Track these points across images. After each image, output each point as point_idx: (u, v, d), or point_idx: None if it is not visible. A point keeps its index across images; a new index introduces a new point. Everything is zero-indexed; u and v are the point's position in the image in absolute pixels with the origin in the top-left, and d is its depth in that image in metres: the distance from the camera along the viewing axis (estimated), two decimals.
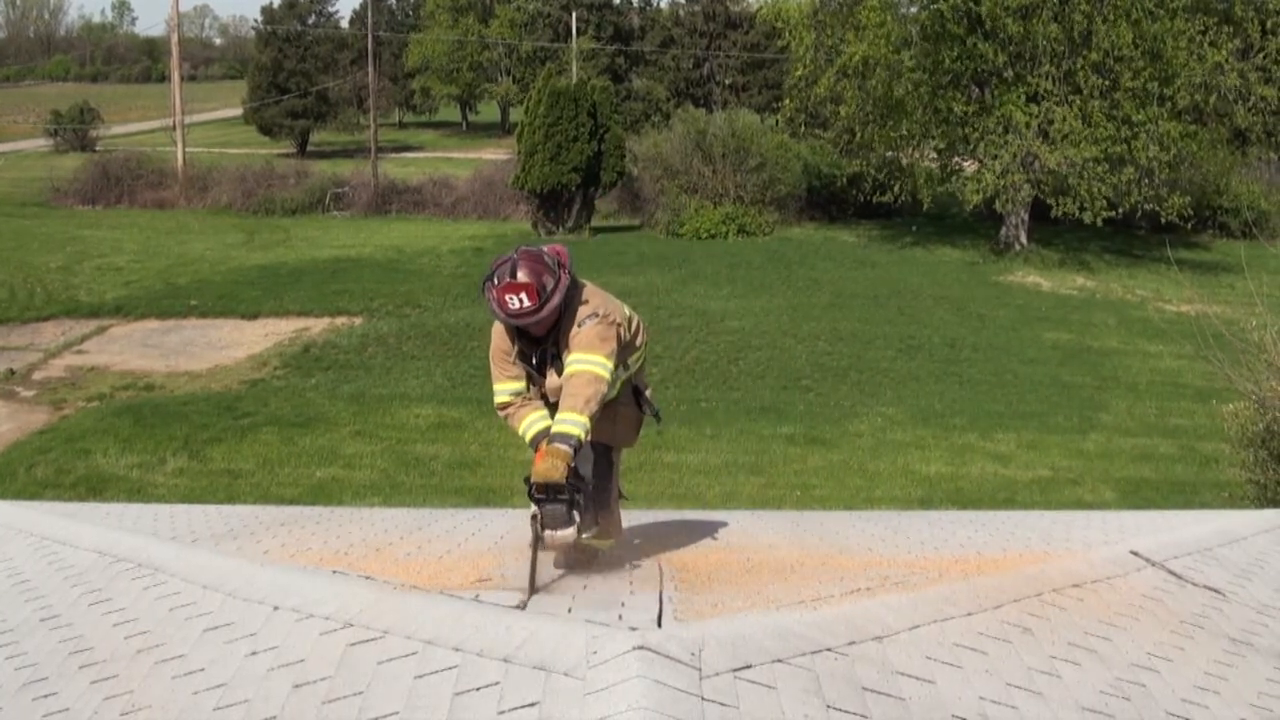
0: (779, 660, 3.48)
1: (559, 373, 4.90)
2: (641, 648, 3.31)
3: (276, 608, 4.17)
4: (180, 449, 17.06)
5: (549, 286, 4.73)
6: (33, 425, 18.36)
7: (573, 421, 4.65)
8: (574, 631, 3.49)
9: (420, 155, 66.31)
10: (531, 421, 5.01)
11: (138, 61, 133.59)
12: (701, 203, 38.00)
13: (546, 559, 4.76)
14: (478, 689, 3.33)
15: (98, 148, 62.17)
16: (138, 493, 15.09)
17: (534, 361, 5.02)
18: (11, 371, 21.22)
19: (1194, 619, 4.96)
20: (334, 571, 4.68)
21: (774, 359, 22.24)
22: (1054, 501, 15.20)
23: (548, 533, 4.61)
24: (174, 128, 48.27)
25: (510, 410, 5.10)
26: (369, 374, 20.99)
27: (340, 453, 17.14)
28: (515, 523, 6.93)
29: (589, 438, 4.77)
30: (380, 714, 3.34)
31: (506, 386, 5.09)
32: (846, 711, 3.33)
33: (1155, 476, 16.78)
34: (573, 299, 4.88)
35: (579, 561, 4.96)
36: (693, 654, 3.35)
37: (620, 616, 3.90)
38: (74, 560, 5.55)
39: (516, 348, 5.02)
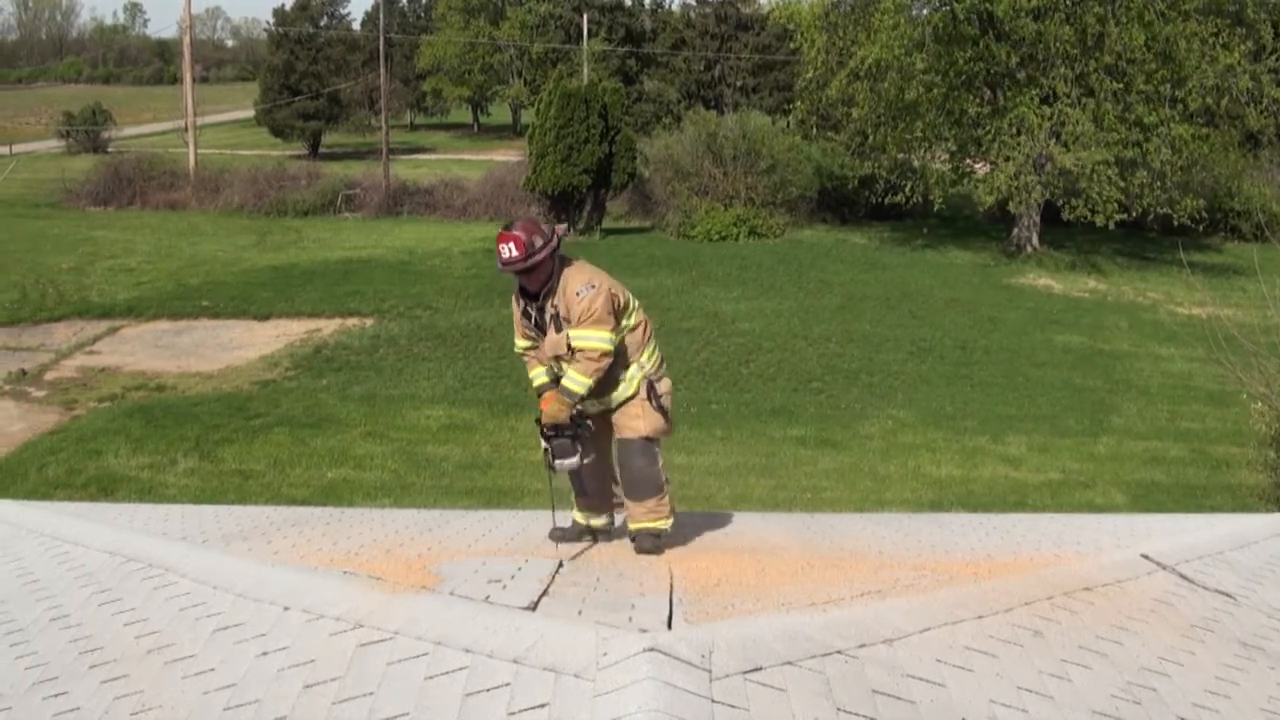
0: (789, 662, 3.48)
1: (557, 330, 5.87)
2: (652, 649, 3.31)
3: (287, 608, 4.18)
4: (191, 449, 17.09)
5: (537, 244, 5.72)
6: (44, 426, 18.41)
7: (578, 381, 5.78)
8: (584, 633, 3.50)
9: (431, 157, 66.38)
10: (539, 374, 6.10)
11: (150, 63, 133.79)
12: (712, 205, 37.97)
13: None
14: (488, 690, 3.33)
15: (110, 149, 62.30)
16: (148, 493, 15.12)
17: (533, 321, 6.01)
18: (23, 372, 21.28)
19: (1205, 623, 4.95)
20: (344, 572, 4.69)
21: (785, 361, 22.22)
22: (1065, 504, 15.16)
23: (557, 461, 5.81)
24: (186, 129, 48.37)
25: (528, 359, 6.20)
26: (380, 375, 21.02)
27: (351, 454, 17.16)
28: (526, 524, 6.96)
29: (589, 396, 5.87)
30: (390, 715, 3.34)
31: (521, 342, 6.21)
32: (856, 714, 3.33)
33: (1166, 480, 16.73)
34: (563, 268, 5.86)
35: (651, 548, 5.86)
36: (703, 656, 3.35)
37: (630, 618, 3.91)
38: (85, 560, 5.57)
39: (521, 306, 6.04)
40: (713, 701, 3.15)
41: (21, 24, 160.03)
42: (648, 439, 6.01)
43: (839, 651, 3.64)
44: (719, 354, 22.56)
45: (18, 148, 64.79)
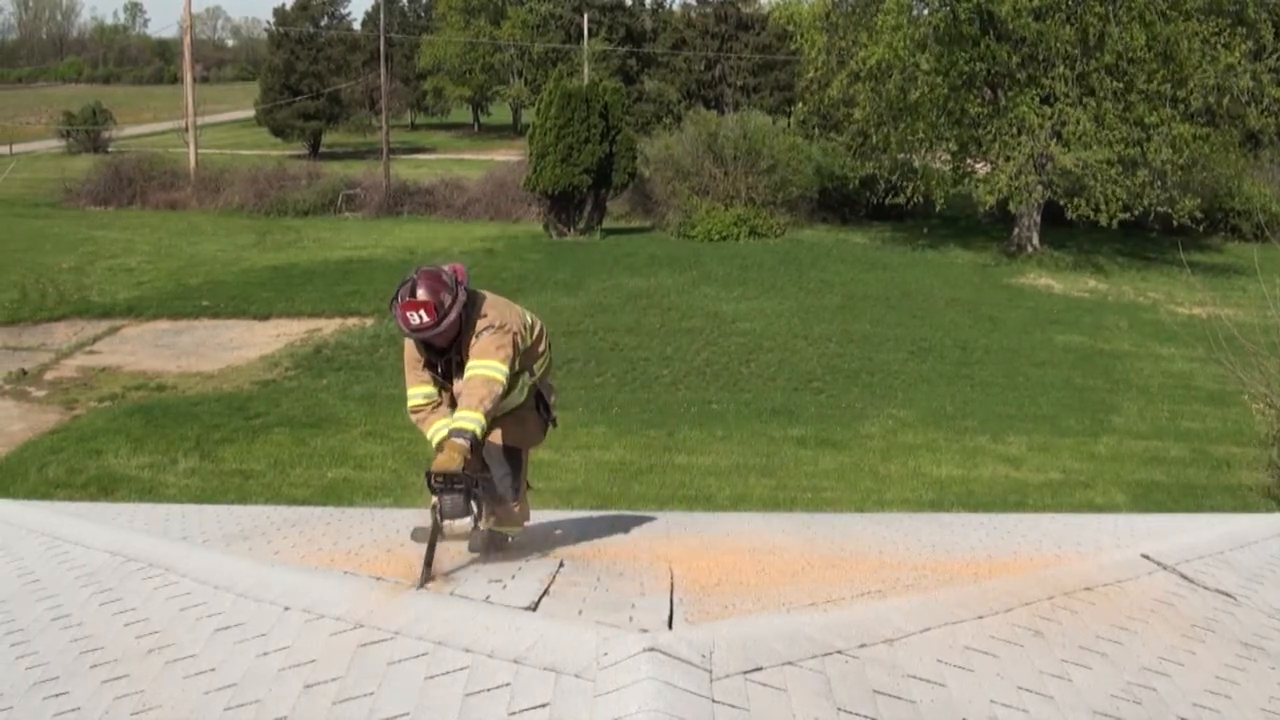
0: (789, 662, 3.48)
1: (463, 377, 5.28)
2: (652, 649, 3.31)
3: (287, 608, 4.18)
4: (192, 449, 17.08)
5: (446, 303, 5.09)
6: (44, 425, 18.41)
7: (469, 419, 5.05)
8: (584, 633, 3.50)
9: (432, 157, 66.39)
10: (439, 428, 5.34)
11: (150, 63, 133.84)
12: (713, 204, 37.97)
13: (451, 550, 5.03)
14: (488, 690, 3.33)
15: (110, 149, 62.29)
16: (149, 493, 15.12)
17: (439, 370, 5.42)
18: (24, 372, 21.28)
19: (1205, 623, 4.95)
20: (345, 572, 4.69)
21: (785, 361, 22.22)
22: (1065, 504, 15.16)
23: (446, 522, 4.93)
24: (186, 129, 48.38)
25: (421, 415, 5.48)
26: (380, 375, 20.99)
27: (351, 453, 17.15)
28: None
29: (485, 435, 5.19)
30: (391, 715, 3.35)
31: (418, 390, 5.48)
32: (857, 714, 3.33)
33: (1166, 480, 16.72)
34: (471, 313, 5.26)
35: (491, 548, 5.31)
36: (703, 656, 3.35)
37: (631, 618, 3.90)
38: (85, 560, 5.57)
39: (424, 358, 5.41)
40: (713, 701, 3.15)
41: (22, 24, 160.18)
42: (510, 447, 5.63)
43: (839, 651, 3.64)
44: (719, 354, 22.55)
45: (18, 148, 64.80)
